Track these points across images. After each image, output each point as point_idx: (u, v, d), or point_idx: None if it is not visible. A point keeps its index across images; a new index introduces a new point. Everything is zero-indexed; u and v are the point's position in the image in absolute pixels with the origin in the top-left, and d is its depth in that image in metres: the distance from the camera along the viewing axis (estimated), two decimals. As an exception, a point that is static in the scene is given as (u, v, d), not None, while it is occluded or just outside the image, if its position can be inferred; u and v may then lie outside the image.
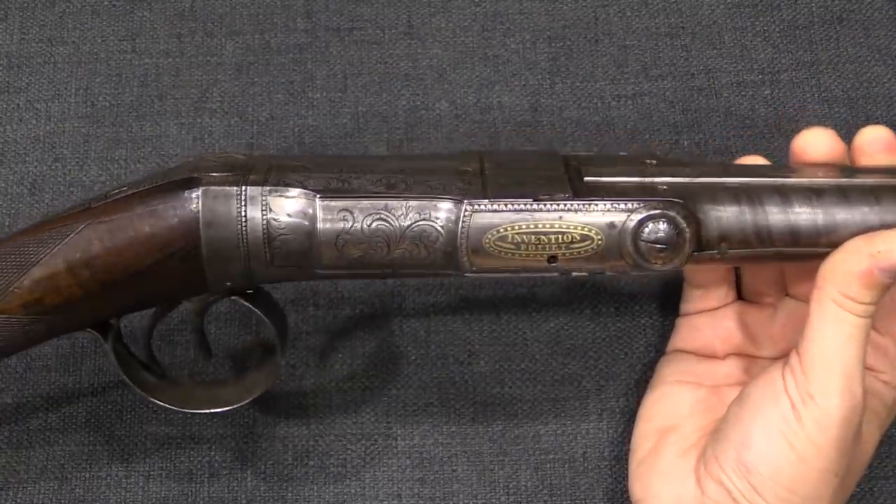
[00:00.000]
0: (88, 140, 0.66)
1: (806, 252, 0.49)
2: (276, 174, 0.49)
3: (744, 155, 0.57)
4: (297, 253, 0.49)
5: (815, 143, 0.52)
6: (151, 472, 0.60)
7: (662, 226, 0.48)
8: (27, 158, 0.66)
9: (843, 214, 0.49)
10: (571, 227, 0.48)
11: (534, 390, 0.61)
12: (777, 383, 0.49)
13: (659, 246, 0.48)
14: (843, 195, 0.49)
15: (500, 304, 0.63)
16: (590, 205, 0.48)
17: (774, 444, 0.48)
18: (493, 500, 0.60)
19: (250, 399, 0.54)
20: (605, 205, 0.48)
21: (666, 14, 0.69)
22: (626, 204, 0.48)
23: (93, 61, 0.68)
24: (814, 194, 0.49)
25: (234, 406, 0.54)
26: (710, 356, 0.57)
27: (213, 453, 0.60)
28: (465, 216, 0.48)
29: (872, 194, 0.49)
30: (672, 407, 0.56)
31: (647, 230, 0.48)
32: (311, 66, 0.68)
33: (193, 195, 0.49)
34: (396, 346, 0.62)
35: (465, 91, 0.67)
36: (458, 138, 0.66)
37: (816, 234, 0.49)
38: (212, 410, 0.55)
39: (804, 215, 0.49)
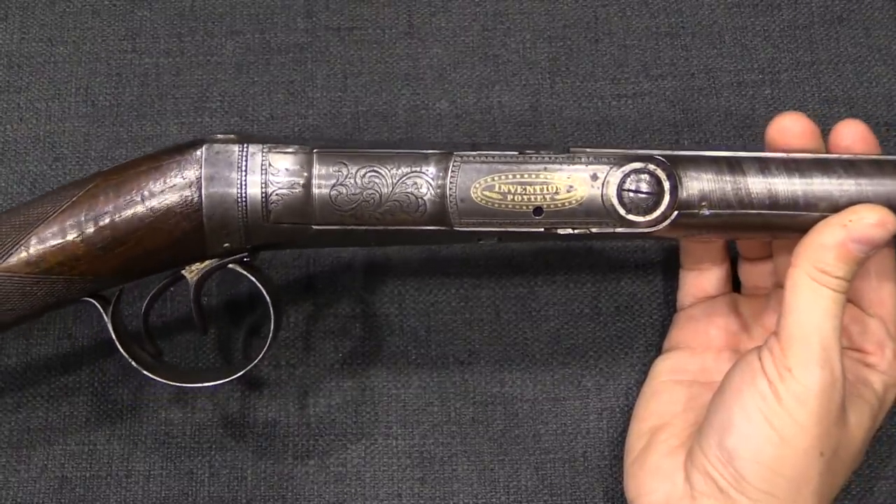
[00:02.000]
0: (89, 139, 0.66)
1: (786, 216, 0.50)
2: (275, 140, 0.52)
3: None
4: (294, 208, 0.51)
5: (791, 127, 0.53)
6: (151, 472, 0.60)
7: (644, 177, 0.50)
8: (27, 158, 0.66)
9: (820, 178, 0.50)
10: (556, 178, 0.51)
11: (534, 390, 0.61)
12: (754, 364, 0.50)
13: (641, 195, 0.50)
14: (820, 162, 0.51)
15: (500, 304, 0.63)
16: (574, 158, 0.51)
17: (754, 425, 0.49)
18: (493, 500, 0.60)
19: (246, 370, 0.55)
20: (588, 158, 0.51)
21: (666, 14, 0.68)
22: (608, 159, 0.51)
23: (93, 61, 0.68)
24: (792, 162, 0.51)
25: (232, 377, 0.55)
26: (705, 350, 0.57)
27: (213, 453, 0.60)
28: (454, 167, 0.51)
29: (850, 163, 0.51)
30: (666, 405, 0.56)
31: (629, 181, 0.51)
32: (311, 65, 0.68)
33: (197, 152, 0.51)
34: (396, 346, 0.62)
35: (465, 91, 0.67)
36: (458, 138, 0.66)
37: (794, 197, 0.50)
38: (206, 384, 0.56)
39: (781, 178, 0.50)
